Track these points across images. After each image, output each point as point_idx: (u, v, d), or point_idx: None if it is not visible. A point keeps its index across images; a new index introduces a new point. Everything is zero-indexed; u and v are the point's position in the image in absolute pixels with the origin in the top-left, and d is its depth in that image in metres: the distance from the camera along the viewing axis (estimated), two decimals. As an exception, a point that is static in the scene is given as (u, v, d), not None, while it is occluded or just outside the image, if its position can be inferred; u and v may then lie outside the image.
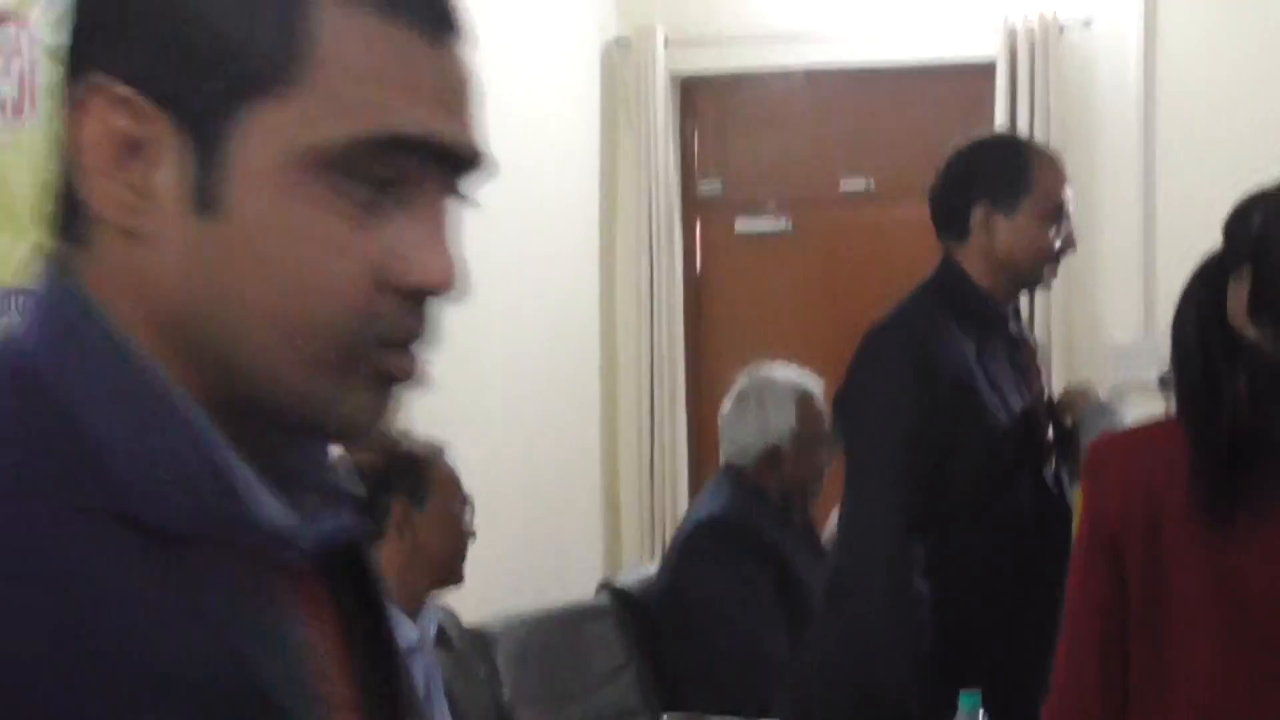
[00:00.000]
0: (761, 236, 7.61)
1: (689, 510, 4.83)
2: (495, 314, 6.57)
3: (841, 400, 3.62)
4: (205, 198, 1.06)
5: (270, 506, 1.08)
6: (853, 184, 7.47)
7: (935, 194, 3.66)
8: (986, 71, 7.03)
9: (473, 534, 3.63)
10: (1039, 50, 6.93)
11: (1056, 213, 3.57)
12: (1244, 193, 2.49)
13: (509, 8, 6.69)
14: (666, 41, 7.40)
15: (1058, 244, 3.60)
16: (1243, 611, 2.20)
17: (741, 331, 7.66)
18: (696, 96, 7.70)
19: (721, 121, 7.71)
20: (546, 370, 7.00)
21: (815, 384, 4.82)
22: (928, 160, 7.18)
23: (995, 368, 3.54)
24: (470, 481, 3.71)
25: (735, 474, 4.63)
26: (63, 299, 1.09)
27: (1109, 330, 6.77)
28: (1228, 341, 2.23)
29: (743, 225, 7.64)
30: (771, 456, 4.58)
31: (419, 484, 3.52)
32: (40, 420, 1.04)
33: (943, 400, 3.42)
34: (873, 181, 7.46)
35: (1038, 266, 3.60)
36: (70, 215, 1.10)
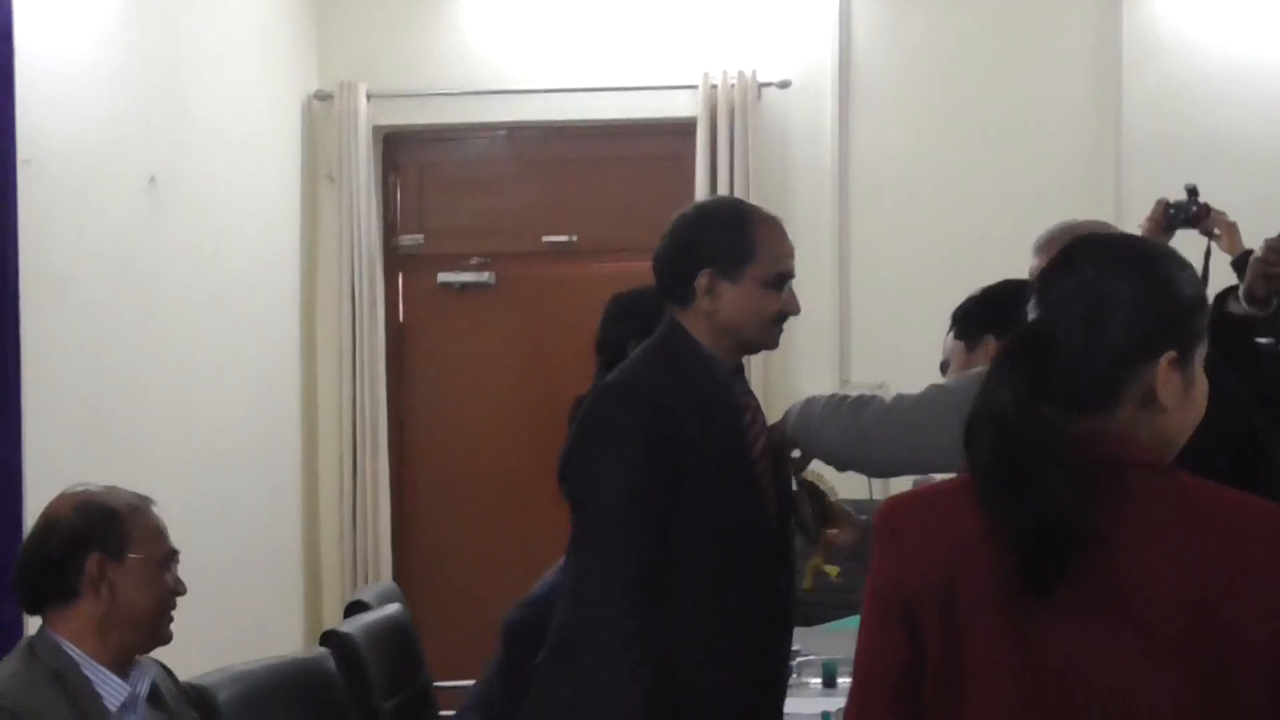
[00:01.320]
0: (464, 289, 7.64)
1: None
2: (197, 366, 6.48)
3: (568, 459, 3.62)
4: None
5: None
6: (555, 237, 7.53)
7: (659, 259, 3.67)
8: (687, 129, 7.17)
9: (181, 589, 3.54)
10: (738, 109, 7.09)
11: (780, 279, 3.62)
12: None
13: (208, 60, 6.62)
14: (368, 96, 7.39)
15: (781, 309, 3.65)
16: (1044, 687, 2.18)
17: (445, 382, 7.67)
18: (399, 150, 7.70)
19: (424, 175, 7.73)
20: (249, 422, 6.92)
21: None
22: (630, 215, 7.35)
23: (721, 428, 3.58)
24: (173, 536, 3.64)
25: None
26: None
27: (805, 384, 6.92)
28: (1044, 428, 2.21)
29: (445, 277, 7.65)
30: None
31: (116, 537, 3.40)
32: None
33: (669, 460, 3.46)
34: (575, 235, 7.53)
35: (762, 331, 3.64)
36: None
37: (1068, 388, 2.22)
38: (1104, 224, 4.07)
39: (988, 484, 2.19)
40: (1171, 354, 2.24)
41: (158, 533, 3.50)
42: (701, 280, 3.58)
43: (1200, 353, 2.28)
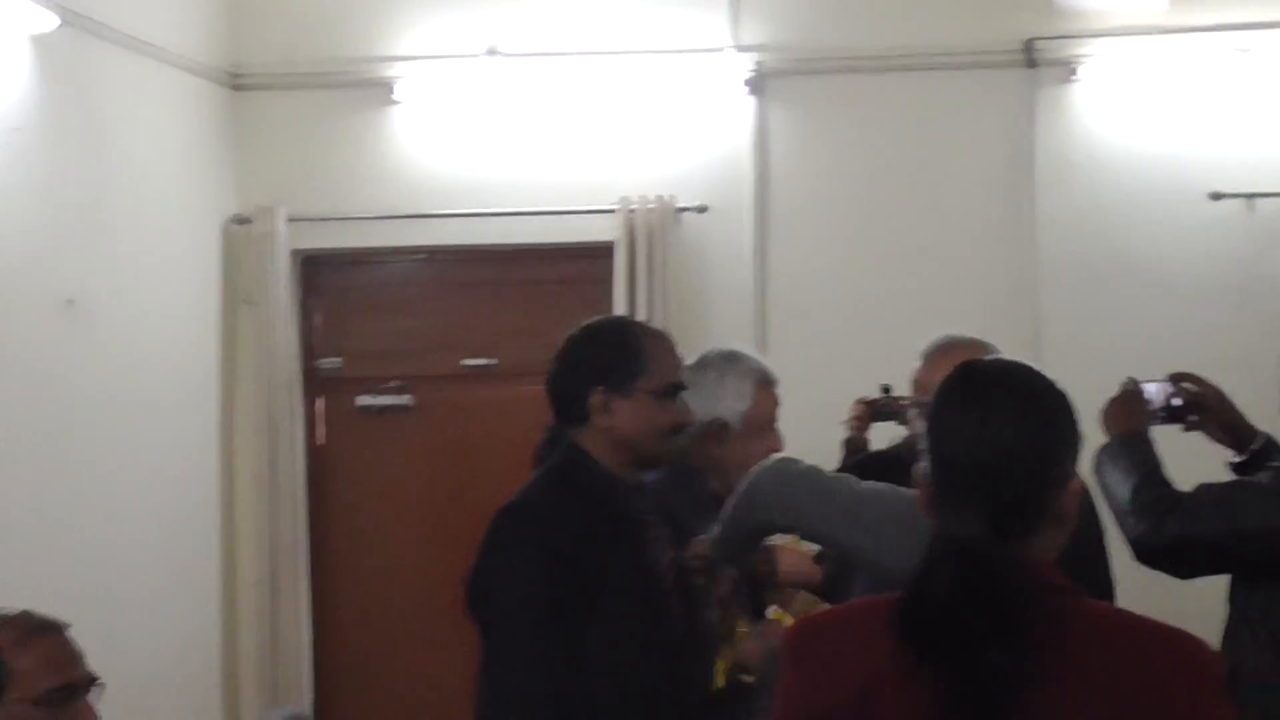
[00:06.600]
0: (383, 412, 7.61)
1: None
2: (114, 490, 6.42)
3: (473, 582, 3.61)
4: None
5: None
6: (474, 360, 7.53)
7: (552, 382, 3.70)
8: (606, 252, 7.19)
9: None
10: (656, 233, 7.13)
11: (673, 390, 3.66)
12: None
13: (127, 182, 6.61)
14: (287, 219, 7.38)
15: (676, 419, 3.67)
16: None
17: (364, 505, 7.62)
18: (317, 274, 7.69)
19: (343, 299, 7.71)
20: (168, 545, 6.86)
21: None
22: (549, 337, 7.30)
23: (625, 546, 3.58)
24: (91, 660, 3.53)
25: None
26: None
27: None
28: (1007, 559, 2.21)
29: (364, 400, 7.62)
30: (719, 431, 4.29)
31: None
32: None
33: (574, 580, 3.45)
34: (494, 358, 7.53)
35: (659, 443, 3.66)
36: None
37: (1009, 517, 2.24)
38: (982, 342, 4.16)
39: (942, 618, 2.18)
40: (1077, 477, 2.32)
41: (49, 665, 3.12)
42: (595, 398, 3.60)
43: None
